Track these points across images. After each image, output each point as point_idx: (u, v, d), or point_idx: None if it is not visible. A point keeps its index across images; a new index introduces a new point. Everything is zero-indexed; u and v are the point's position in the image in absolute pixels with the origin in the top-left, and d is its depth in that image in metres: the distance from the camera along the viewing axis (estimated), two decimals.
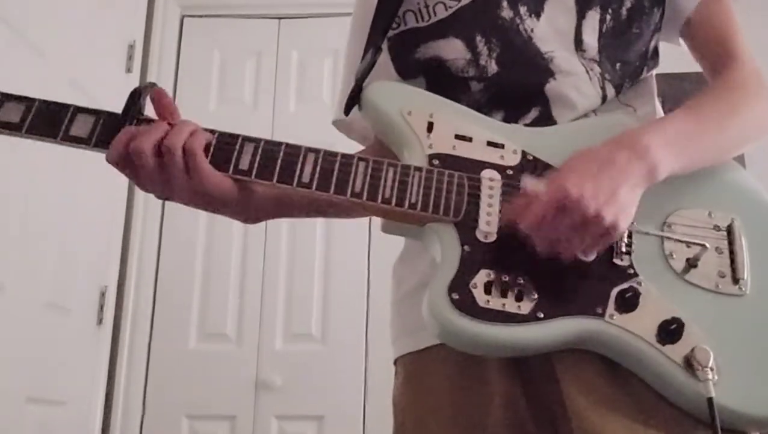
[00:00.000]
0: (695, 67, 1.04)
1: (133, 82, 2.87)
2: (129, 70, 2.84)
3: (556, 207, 0.77)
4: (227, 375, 2.76)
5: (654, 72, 1.05)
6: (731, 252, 0.86)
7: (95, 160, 0.89)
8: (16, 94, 0.85)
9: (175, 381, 2.76)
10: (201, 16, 3.18)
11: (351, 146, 1.12)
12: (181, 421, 2.73)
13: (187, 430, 2.73)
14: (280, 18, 3.16)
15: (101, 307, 2.63)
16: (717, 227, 0.87)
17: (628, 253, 0.84)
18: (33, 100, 0.85)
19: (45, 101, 0.85)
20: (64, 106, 0.85)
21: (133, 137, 0.82)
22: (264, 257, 2.85)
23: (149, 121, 0.85)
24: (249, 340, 2.81)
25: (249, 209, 0.92)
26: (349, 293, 2.82)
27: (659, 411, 0.81)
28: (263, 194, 0.92)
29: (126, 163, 0.82)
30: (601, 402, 0.83)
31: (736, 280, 0.85)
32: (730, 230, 0.87)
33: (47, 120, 0.84)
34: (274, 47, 3.12)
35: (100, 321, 2.63)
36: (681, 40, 1.04)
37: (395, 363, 1.01)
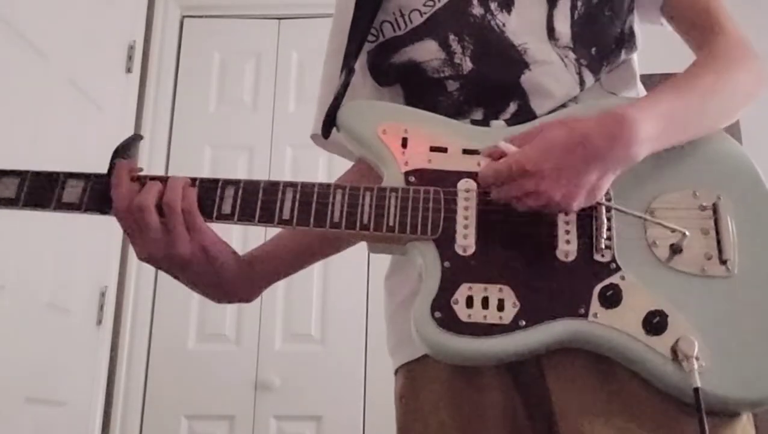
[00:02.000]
0: (680, 67, 1.03)
1: (133, 82, 2.87)
2: (129, 70, 2.84)
3: (509, 174, 0.80)
4: (226, 375, 2.77)
5: (634, 55, 1.04)
6: (717, 232, 0.85)
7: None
8: (8, 170, 0.89)
9: (175, 381, 2.77)
10: (201, 17, 3.19)
11: None
12: (180, 421, 2.73)
13: (186, 430, 2.74)
14: (280, 18, 3.16)
15: (101, 307, 2.63)
16: (702, 207, 0.86)
17: (610, 247, 0.84)
18: (25, 172, 0.89)
19: (36, 173, 0.89)
20: (54, 175, 0.89)
21: (134, 193, 0.86)
22: None
23: (136, 178, 0.88)
24: (248, 340, 2.81)
25: (243, 273, 0.95)
26: (348, 293, 2.83)
27: (649, 407, 0.81)
28: (252, 261, 0.97)
29: (131, 218, 0.86)
30: (590, 403, 0.83)
31: (723, 261, 0.84)
32: (715, 209, 0.86)
33: (40, 191, 0.89)
34: (274, 48, 3.13)
35: (99, 321, 2.63)
36: (663, 21, 1.03)
37: (396, 373, 1.01)
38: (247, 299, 1.00)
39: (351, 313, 2.80)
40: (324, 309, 2.84)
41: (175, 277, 0.91)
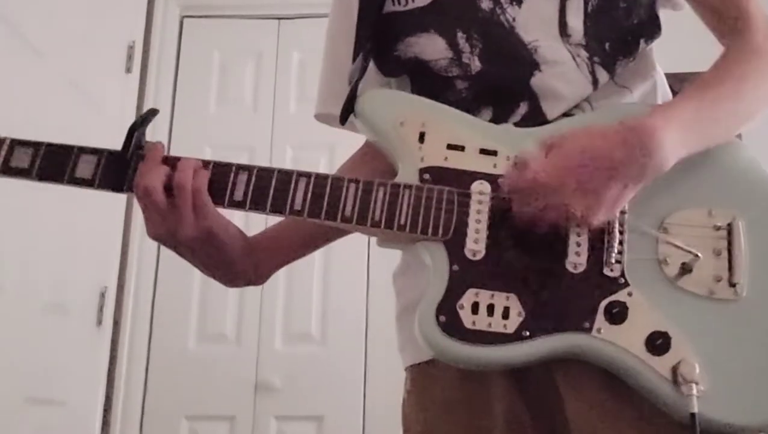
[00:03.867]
0: (697, 66, 1.01)
1: (133, 82, 2.87)
2: (129, 70, 2.84)
3: (531, 188, 0.79)
4: (227, 375, 2.77)
5: (653, 44, 1.00)
6: (730, 254, 0.84)
7: None
8: (24, 140, 0.89)
9: (175, 382, 2.76)
10: (201, 17, 3.18)
11: (353, 144, 1.12)
12: (181, 422, 2.73)
13: (187, 431, 2.73)
14: (280, 18, 3.16)
15: (101, 308, 2.63)
16: (717, 227, 0.85)
17: (620, 261, 0.83)
18: (40, 144, 0.88)
19: (50, 145, 0.88)
20: (69, 148, 0.88)
21: (141, 175, 0.85)
22: None
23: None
24: (248, 341, 2.81)
25: (252, 257, 0.95)
26: (348, 293, 2.82)
27: (656, 425, 0.81)
28: (257, 243, 0.97)
29: (142, 198, 0.86)
30: (603, 416, 0.83)
31: (732, 284, 0.83)
32: (730, 230, 0.84)
33: (54, 163, 0.87)
34: (274, 48, 3.12)
35: (99, 322, 2.62)
36: (685, 2, 0.99)
37: (405, 370, 1.01)
38: (255, 282, 0.99)
39: (351, 313, 2.80)
40: (324, 309, 2.84)
41: (182, 257, 0.92)
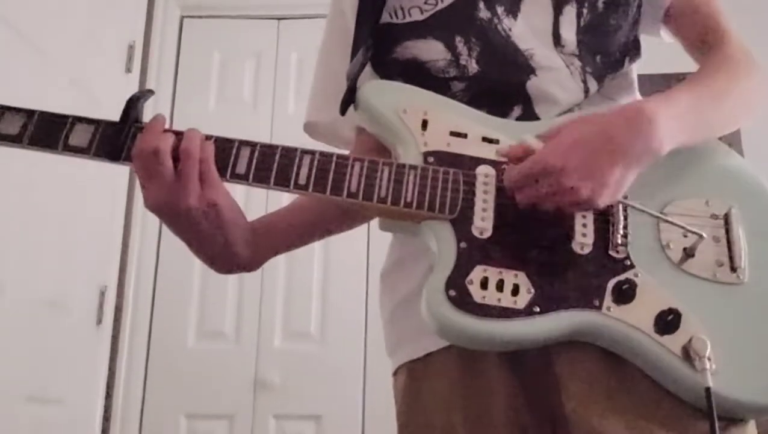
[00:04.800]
0: (690, 67, 1.04)
1: (133, 82, 2.87)
2: (129, 70, 2.84)
3: (537, 172, 0.79)
4: (226, 374, 2.77)
5: (635, 66, 1.05)
6: (728, 241, 0.86)
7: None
8: (15, 107, 0.85)
9: (174, 380, 2.77)
10: (201, 17, 3.19)
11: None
12: (180, 420, 2.73)
13: (186, 429, 2.74)
14: (280, 18, 3.16)
15: (101, 306, 2.63)
16: (714, 216, 0.87)
17: (624, 244, 0.84)
18: (32, 111, 0.85)
19: (43, 113, 0.86)
20: (63, 117, 0.86)
21: (146, 140, 0.84)
22: None
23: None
24: (248, 339, 2.82)
25: (250, 240, 0.93)
26: (348, 291, 2.83)
27: (660, 408, 0.81)
28: (257, 228, 0.96)
29: (147, 162, 0.83)
30: (601, 401, 0.83)
31: (733, 268, 0.84)
32: (727, 219, 0.87)
33: (47, 131, 0.84)
34: (274, 48, 3.13)
35: (99, 320, 2.63)
36: (662, 33, 1.04)
37: (394, 374, 1.00)
38: (249, 268, 0.97)
39: (351, 312, 2.80)
40: (324, 308, 2.84)
41: (179, 233, 0.88)
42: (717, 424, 0.74)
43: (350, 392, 2.73)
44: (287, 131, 2.98)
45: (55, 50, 2.32)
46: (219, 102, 3.08)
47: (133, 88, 2.87)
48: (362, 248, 2.81)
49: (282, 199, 2.79)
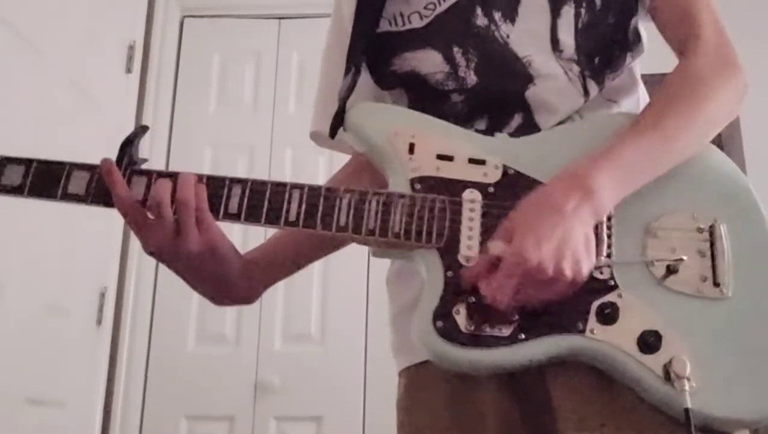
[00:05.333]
0: None
1: (133, 82, 2.87)
2: (129, 70, 2.84)
3: (517, 275, 0.78)
4: (226, 375, 2.77)
5: (638, 60, 1.03)
6: (713, 255, 0.86)
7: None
8: (15, 157, 0.88)
9: (174, 382, 2.77)
10: (201, 17, 3.19)
11: None
12: (180, 422, 2.73)
13: (186, 431, 2.73)
14: (280, 18, 3.16)
15: (101, 308, 2.63)
16: (700, 229, 0.87)
17: (609, 265, 0.84)
18: (31, 161, 0.88)
19: (41, 161, 0.88)
20: (60, 165, 0.88)
21: (130, 191, 0.85)
22: None
23: (141, 172, 0.88)
24: (248, 341, 2.81)
25: (246, 273, 0.95)
26: (348, 293, 2.82)
27: (647, 420, 0.82)
28: (254, 260, 0.97)
29: (137, 213, 0.86)
30: (596, 418, 0.83)
31: (716, 283, 0.85)
32: (712, 232, 0.87)
33: (46, 180, 0.88)
34: (274, 48, 3.13)
35: (99, 322, 2.63)
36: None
37: (399, 374, 1.02)
38: (249, 300, 1.00)
39: (351, 313, 2.80)
40: (324, 310, 2.84)
41: (178, 273, 0.91)
42: None
43: (351, 393, 2.73)
44: (288, 131, 3.00)
45: (54, 51, 2.31)
46: (219, 103, 3.07)
47: (133, 89, 2.87)
48: (362, 250, 2.80)
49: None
